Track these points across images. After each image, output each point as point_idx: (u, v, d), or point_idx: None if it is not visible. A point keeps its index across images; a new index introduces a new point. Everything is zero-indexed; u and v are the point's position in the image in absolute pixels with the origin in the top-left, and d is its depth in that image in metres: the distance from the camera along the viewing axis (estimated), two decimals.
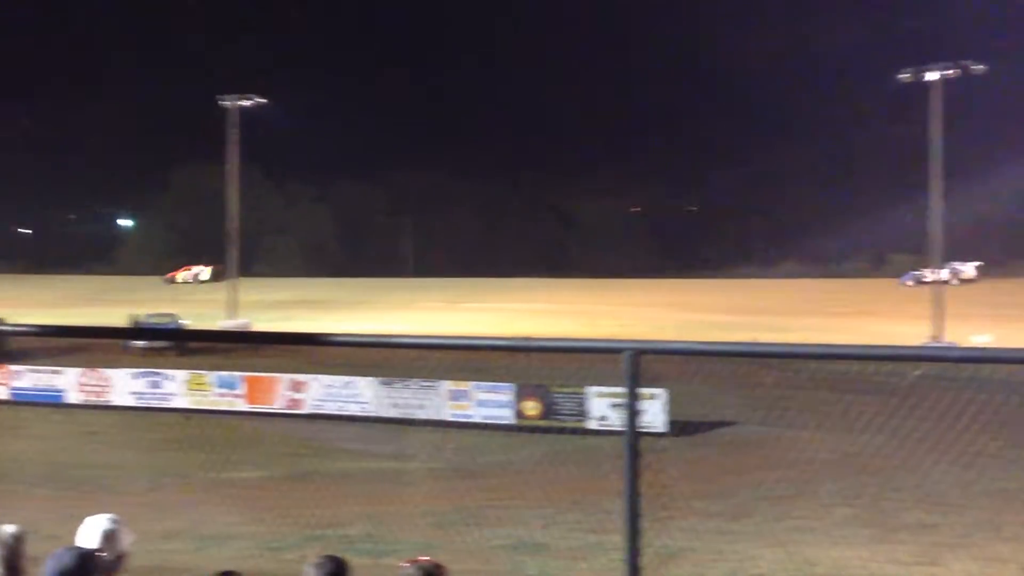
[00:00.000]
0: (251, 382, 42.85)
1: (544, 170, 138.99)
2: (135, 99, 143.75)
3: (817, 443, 28.89)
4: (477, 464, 31.28)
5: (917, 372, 23.33)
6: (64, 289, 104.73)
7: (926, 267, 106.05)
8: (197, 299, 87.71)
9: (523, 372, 38.29)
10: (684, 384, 31.14)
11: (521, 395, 39.52)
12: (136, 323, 60.17)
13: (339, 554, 5.97)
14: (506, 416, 39.45)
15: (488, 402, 39.86)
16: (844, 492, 25.34)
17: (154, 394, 43.50)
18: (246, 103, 76.16)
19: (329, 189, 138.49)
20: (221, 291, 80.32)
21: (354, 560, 6.08)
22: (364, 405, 40.79)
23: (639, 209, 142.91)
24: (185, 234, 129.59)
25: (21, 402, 43.49)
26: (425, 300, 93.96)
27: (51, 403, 43.41)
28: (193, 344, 50.07)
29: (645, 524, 5.64)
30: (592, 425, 37.23)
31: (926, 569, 19.40)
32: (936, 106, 63.43)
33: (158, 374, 44.24)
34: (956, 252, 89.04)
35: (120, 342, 49.99)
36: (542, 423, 38.48)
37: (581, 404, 38.40)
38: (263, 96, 77.70)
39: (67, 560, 5.60)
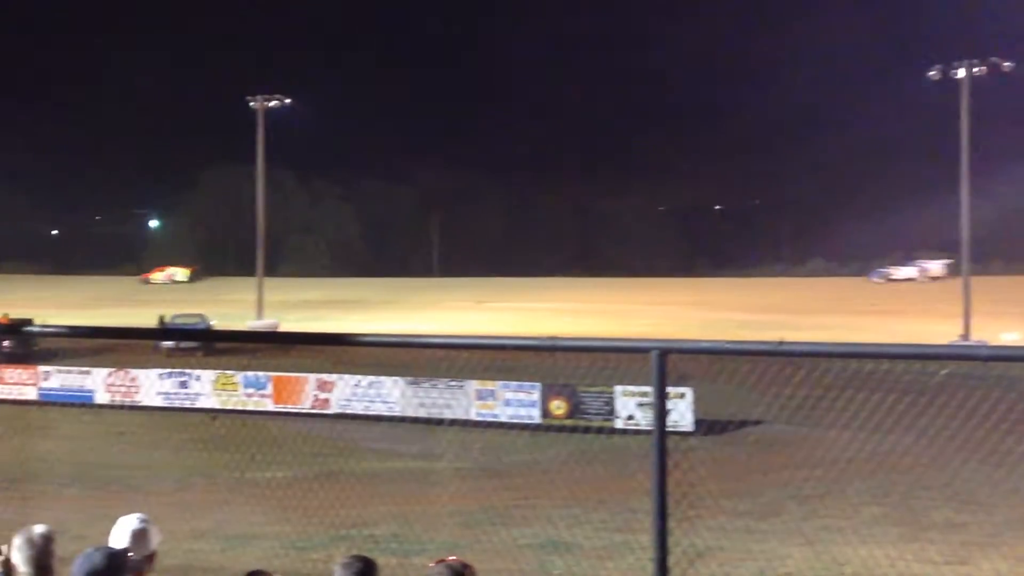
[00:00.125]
0: (278, 382, 42.94)
1: (571, 169, 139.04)
2: (162, 100, 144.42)
3: (845, 442, 28.77)
4: (504, 464, 31.27)
5: (945, 371, 23.21)
6: (92, 290, 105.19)
7: (895, 264, 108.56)
8: (225, 299, 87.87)
9: (550, 372, 38.27)
10: (710, 383, 31.07)
11: (548, 394, 39.50)
12: (164, 323, 60.46)
13: (366, 554, 5.97)
14: (533, 415, 39.44)
15: (515, 401, 39.85)
16: (873, 491, 25.24)
17: (182, 394, 43.64)
18: (273, 104, 76.34)
19: (355, 188, 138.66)
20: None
21: (381, 560, 6.08)
22: (391, 405, 40.83)
23: (666, 208, 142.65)
24: (212, 234, 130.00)
25: (50, 402, 43.72)
26: (452, 299, 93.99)
27: (80, 403, 43.61)
28: (221, 344, 50.17)
29: (673, 523, 5.63)
30: (619, 424, 37.18)
31: (956, 568, 19.30)
32: (965, 103, 63.10)
33: (186, 374, 44.37)
34: (985, 249, 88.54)
35: (150, 342, 50.23)
36: (569, 422, 38.45)
37: (608, 403, 38.35)
38: (290, 96, 77.86)
39: (96, 560, 5.61)
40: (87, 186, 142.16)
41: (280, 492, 26.83)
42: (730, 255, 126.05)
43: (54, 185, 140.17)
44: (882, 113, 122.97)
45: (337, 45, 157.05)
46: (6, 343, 48.65)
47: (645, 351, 5.59)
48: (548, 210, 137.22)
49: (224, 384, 43.64)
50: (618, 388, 37.73)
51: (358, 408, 41.16)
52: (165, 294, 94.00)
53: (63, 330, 9.60)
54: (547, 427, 38.41)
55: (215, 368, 44.91)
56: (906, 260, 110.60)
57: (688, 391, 34.19)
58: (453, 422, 37.62)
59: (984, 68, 63.34)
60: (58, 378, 45.66)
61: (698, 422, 34.13)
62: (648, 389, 5.65)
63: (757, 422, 35.68)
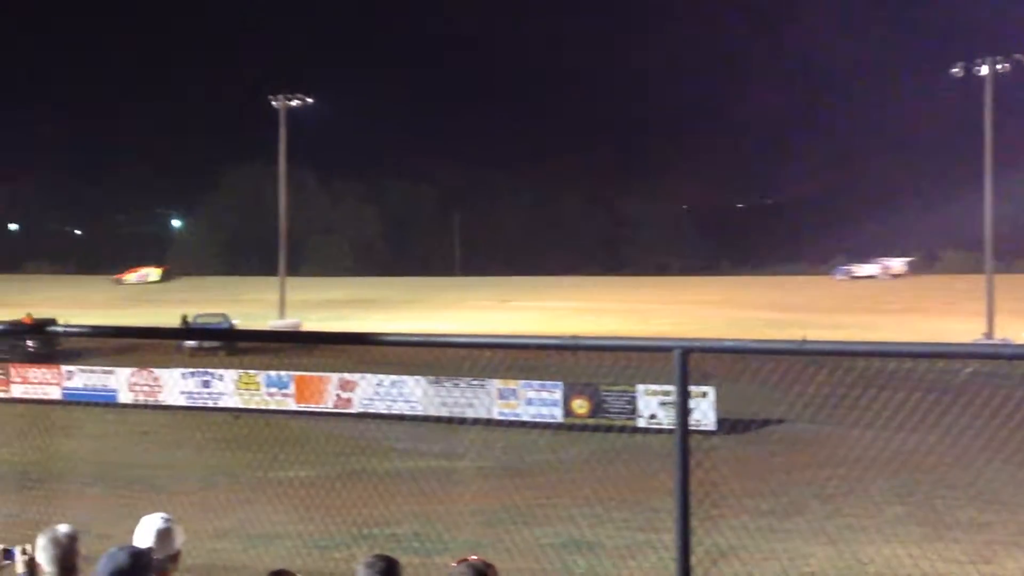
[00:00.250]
0: (301, 381, 43.03)
1: (594, 168, 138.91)
2: (184, 100, 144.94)
3: (868, 441, 28.67)
4: (526, 463, 31.27)
5: (969, 369, 23.11)
6: (115, 290, 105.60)
7: (858, 262, 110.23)
8: (247, 299, 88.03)
9: (572, 370, 38.25)
10: (733, 382, 30.99)
11: (570, 393, 39.49)
12: (187, 323, 60.66)
13: (389, 553, 5.97)
14: (555, 415, 39.43)
15: (537, 400, 39.85)
16: (896, 490, 25.16)
17: (205, 394, 43.77)
18: (295, 103, 76.51)
19: (377, 188, 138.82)
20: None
21: (403, 559, 6.08)
22: (413, 404, 40.87)
23: (689, 206, 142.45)
24: (234, 234, 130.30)
25: (74, 402, 43.91)
26: (474, 299, 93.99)
27: (103, 403, 43.79)
28: (243, 344, 50.31)
29: (695, 522, 5.61)
30: (641, 423, 37.16)
31: (980, 567, 19.20)
32: (988, 100, 62.84)
33: (208, 374, 44.50)
34: (1009, 247, 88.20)
35: (173, 342, 50.39)
36: (591, 421, 38.43)
37: (630, 402, 38.33)
38: (311, 96, 78.00)
39: (121, 559, 5.62)
40: (110, 186, 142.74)
41: (303, 491, 26.88)
42: (753, 253, 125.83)
43: (77, 185, 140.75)
44: (906, 111, 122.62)
45: (358, 44, 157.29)
46: (30, 343, 48.88)
47: (668, 350, 5.58)
48: (570, 209, 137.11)
49: (246, 383, 43.76)
50: (640, 387, 37.71)
51: (380, 407, 41.21)
52: (182, 294, 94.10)
53: (86, 330, 9.64)
54: (569, 426, 38.40)
55: (237, 368, 45.03)
56: (870, 258, 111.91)
57: (711, 390, 34.12)
58: (475, 421, 37.65)
59: (1008, 65, 63.06)
60: (81, 378, 45.85)
61: (721, 421, 34.04)
62: (671, 388, 5.64)
63: (780, 421, 35.60)
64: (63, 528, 6.23)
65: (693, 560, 5.59)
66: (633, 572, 18.40)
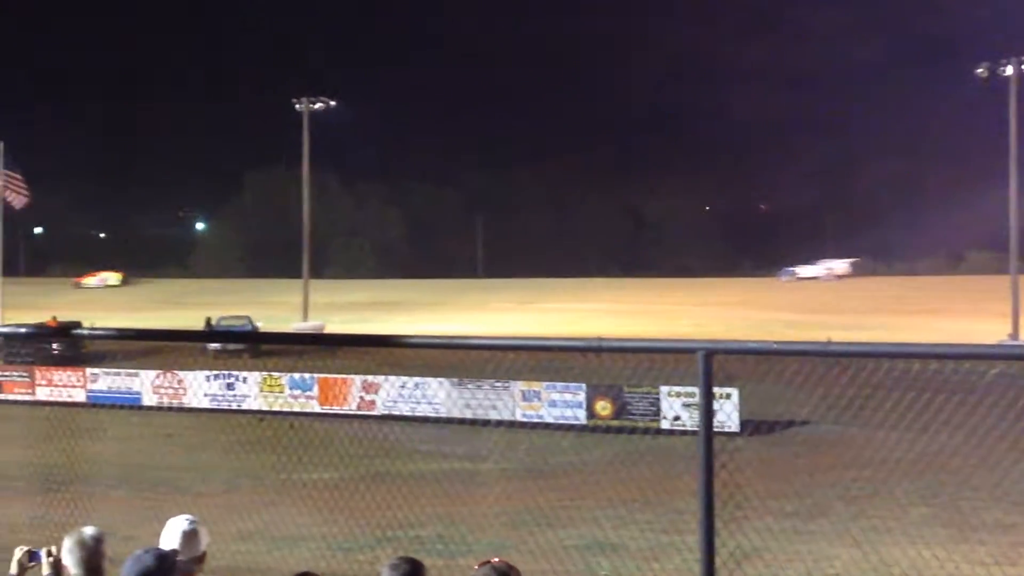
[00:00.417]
0: (324, 383, 43.12)
1: (616, 170, 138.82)
2: (208, 103, 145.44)
3: (893, 442, 28.55)
4: (549, 464, 31.26)
5: (995, 371, 23.00)
6: (139, 293, 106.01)
7: (803, 264, 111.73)
8: (270, 301, 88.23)
9: (595, 372, 38.23)
10: (756, 383, 30.91)
11: (593, 395, 39.46)
12: (211, 325, 60.84)
13: (413, 555, 5.98)
14: (578, 416, 39.41)
15: (560, 402, 39.84)
16: (921, 492, 25.06)
17: (229, 396, 43.91)
18: (318, 106, 76.67)
19: (400, 190, 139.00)
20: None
21: (427, 561, 6.09)
22: (437, 406, 40.90)
23: (711, 208, 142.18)
24: (258, 236, 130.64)
25: (98, 404, 44.09)
26: (497, 301, 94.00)
27: (128, 405, 43.95)
28: (266, 346, 50.46)
29: (719, 524, 5.61)
30: (665, 425, 37.12)
31: (1006, 569, 19.10)
32: (1012, 100, 62.58)
33: (232, 376, 44.64)
34: None
35: (197, 344, 50.54)
36: (614, 423, 38.39)
37: (654, 404, 38.29)
38: (335, 99, 78.13)
39: (147, 561, 5.64)
40: (134, 190, 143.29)
41: (326, 493, 26.90)
42: (775, 255, 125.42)
43: (101, 189, 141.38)
44: (929, 110, 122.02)
45: (382, 47, 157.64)
46: (55, 346, 49.10)
47: (691, 352, 5.58)
48: (592, 211, 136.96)
49: (270, 386, 43.89)
50: (664, 389, 37.67)
51: (404, 409, 41.27)
52: (206, 297, 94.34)
53: (111, 333, 9.68)
54: (592, 428, 38.38)
55: (261, 370, 45.14)
56: (811, 260, 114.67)
57: (734, 391, 34.05)
58: (499, 423, 37.66)
59: None
60: (106, 380, 46.06)
61: (744, 423, 33.97)
62: (694, 390, 5.64)
63: (804, 422, 35.51)
64: (89, 530, 6.26)
65: (717, 562, 5.59)
66: (657, 574, 18.37)
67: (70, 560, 6.15)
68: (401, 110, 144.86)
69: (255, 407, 42.93)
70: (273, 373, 44.31)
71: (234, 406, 43.15)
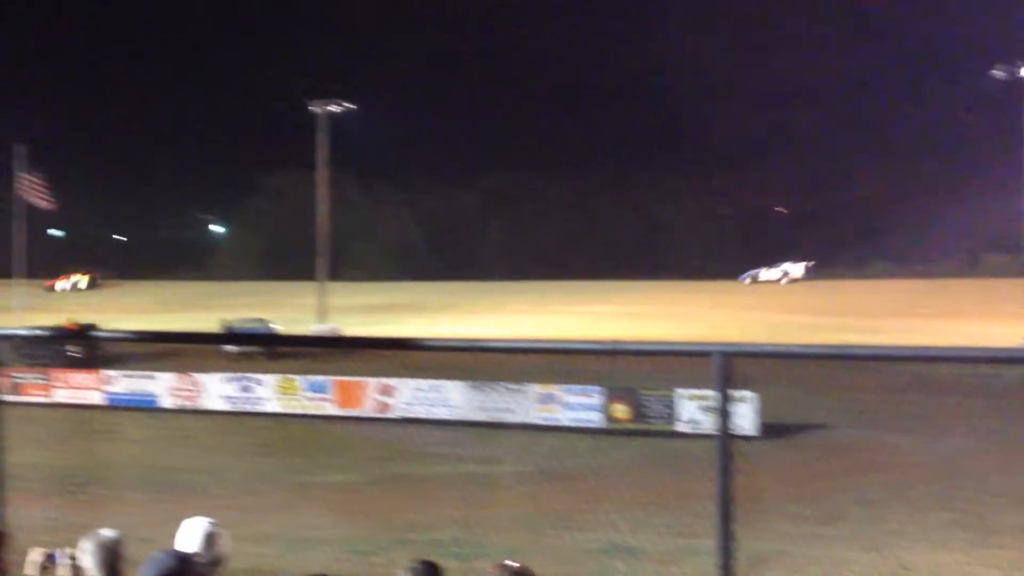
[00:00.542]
0: (340, 386, 43.16)
1: (633, 171, 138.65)
2: (224, 105, 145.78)
3: (910, 446, 28.50)
4: (565, 467, 31.21)
5: (1013, 374, 22.93)
6: (158, 295, 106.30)
7: (762, 267, 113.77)
8: (287, 303, 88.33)
9: (611, 375, 38.20)
10: (773, 387, 30.86)
11: (609, 398, 39.40)
12: (228, 328, 60.90)
13: (429, 558, 5.98)
14: (594, 419, 39.35)
15: (576, 405, 39.77)
16: (939, 495, 24.96)
17: (245, 398, 43.97)
18: (334, 108, 76.82)
19: (417, 192, 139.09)
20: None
21: (443, 564, 6.09)
22: (452, 408, 40.89)
23: (728, 211, 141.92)
24: (275, 239, 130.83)
25: (116, 407, 44.23)
26: (513, 303, 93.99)
27: (145, 408, 44.08)
28: (283, 348, 50.47)
29: (737, 528, 5.59)
30: (681, 428, 37.05)
31: None
32: None
33: (249, 378, 44.70)
34: None
35: (214, 346, 50.59)
36: (631, 426, 38.32)
37: (670, 407, 38.21)
38: (352, 101, 78.26)
39: (167, 563, 5.65)
40: (152, 192, 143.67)
41: (342, 496, 26.97)
42: (791, 258, 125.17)
43: (119, 191, 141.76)
44: (946, 112, 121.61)
45: (398, 49, 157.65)
46: (73, 348, 49.18)
47: (708, 354, 5.56)
48: (609, 213, 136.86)
49: (287, 388, 43.94)
50: (681, 392, 37.59)
51: (420, 412, 41.25)
52: (223, 299, 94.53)
53: (129, 335, 9.71)
54: (608, 431, 38.33)
55: (278, 372, 45.20)
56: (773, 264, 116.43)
57: (751, 395, 33.95)
58: (514, 426, 37.66)
59: None
60: (123, 382, 46.16)
61: (762, 426, 33.92)
62: (711, 392, 5.61)
63: (821, 426, 35.45)
64: (109, 532, 6.26)
65: (735, 565, 5.57)
66: None
67: (89, 562, 6.16)
68: (418, 112, 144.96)
69: (272, 409, 43.01)
70: (289, 375, 44.38)
71: (251, 408, 43.21)
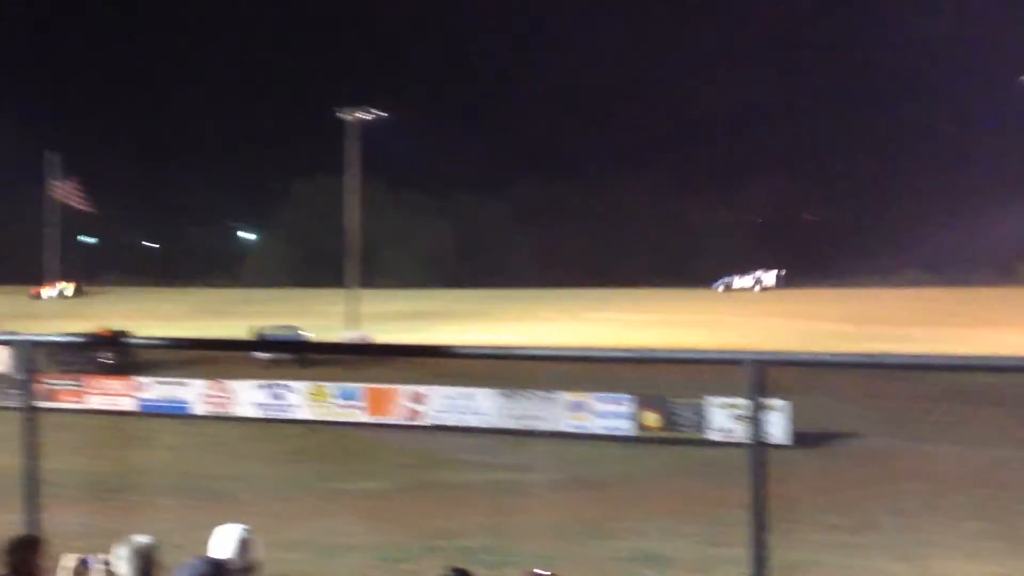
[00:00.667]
0: (372, 393, 43.20)
1: (665, 179, 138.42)
2: (257, 113, 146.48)
3: (944, 455, 28.32)
4: (597, 475, 31.18)
5: None
6: (189, 302, 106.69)
7: (735, 275, 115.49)
8: (317, 311, 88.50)
9: (641, 383, 38.11)
10: (805, 395, 30.74)
11: (641, 406, 39.29)
12: (259, 335, 61.08)
13: (459, 565, 5.99)
14: (626, 427, 39.26)
15: (607, 413, 39.69)
16: (973, 505, 24.78)
17: (277, 405, 44.08)
18: (366, 116, 77.00)
19: (447, 200, 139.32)
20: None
21: (472, 571, 6.09)
22: (483, 416, 40.87)
23: (759, 219, 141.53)
24: (307, 246, 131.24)
25: (149, 413, 44.43)
26: (545, 311, 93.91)
27: (177, 414, 44.24)
28: (314, 355, 50.57)
29: (769, 536, 5.57)
30: (713, 436, 36.92)
31: None
32: None
33: (280, 386, 44.82)
34: None
35: (246, 353, 50.77)
36: (662, 434, 38.22)
37: (702, 415, 38.09)
38: (383, 109, 78.44)
39: (201, 570, 5.68)
40: (185, 199, 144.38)
41: (373, 503, 27.01)
42: (823, 266, 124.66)
43: (153, 199, 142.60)
44: (979, 120, 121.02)
45: (430, 57, 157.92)
46: (106, 355, 49.43)
47: (740, 363, 5.54)
48: (640, 221, 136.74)
49: (317, 395, 44.02)
50: (712, 400, 37.45)
51: (451, 420, 41.24)
52: (254, 306, 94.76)
53: (161, 341, 9.76)
54: (638, 439, 38.24)
55: (309, 380, 45.30)
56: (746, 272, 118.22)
57: (784, 403, 33.79)
58: (545, 434, 37.62)
59: None
60: (156, 389, 46.35)
61: (794, 434, 33.76)
62: (743, 401, 5.59)
63: (854, 434, 35.26)
64: (144, 539, 6.29)
65: (767, 574, 5.55)
66: None
67: (124, 568, 6.19)
68: (450, 120, 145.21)
69: (303, 417, 43.10)
70: (321, 383, 44.46)
71: (282, 415, 43.32)
